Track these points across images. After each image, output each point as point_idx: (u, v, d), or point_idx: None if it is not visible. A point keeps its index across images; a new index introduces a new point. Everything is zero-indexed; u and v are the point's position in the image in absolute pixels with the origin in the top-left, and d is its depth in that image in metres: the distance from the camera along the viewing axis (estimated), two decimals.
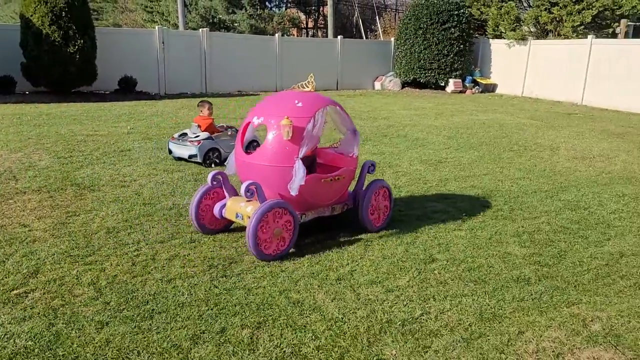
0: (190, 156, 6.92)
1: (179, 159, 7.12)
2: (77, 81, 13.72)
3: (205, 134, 7.02)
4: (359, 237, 4.54)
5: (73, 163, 6.77)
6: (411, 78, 19.60)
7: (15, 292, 3.41)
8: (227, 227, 4.63)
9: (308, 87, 4.69)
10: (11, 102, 12.54)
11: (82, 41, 13.25)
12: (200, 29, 17.44)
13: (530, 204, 5.64)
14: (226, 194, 4.45)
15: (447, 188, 6.19)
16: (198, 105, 7.59)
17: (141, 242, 4.30)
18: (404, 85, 20.28)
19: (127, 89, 14.93)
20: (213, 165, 6.94)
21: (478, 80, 19.77)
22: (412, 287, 3.66)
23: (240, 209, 4.22)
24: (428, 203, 5.59)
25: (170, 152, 7.20)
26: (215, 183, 4.37)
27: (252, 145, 6.01)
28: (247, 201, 4.22)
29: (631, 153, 8.56)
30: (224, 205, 4.38)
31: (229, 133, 7.35)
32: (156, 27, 16.67)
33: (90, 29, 13.89)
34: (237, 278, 3.73)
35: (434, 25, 18.58)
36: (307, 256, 4.11)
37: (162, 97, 15.30)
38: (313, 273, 3.83)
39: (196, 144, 6.88)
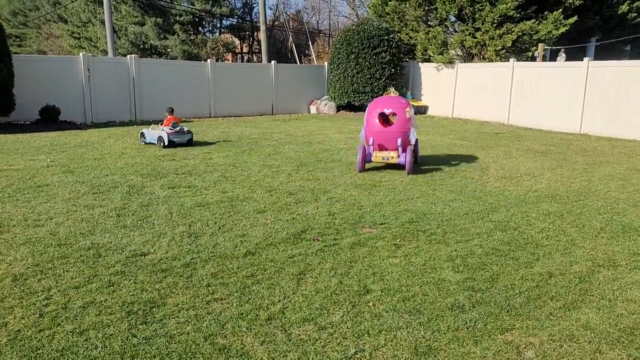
0: (189, 140, 11.00)
1: (179, 145, 10.79)
2: None
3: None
4: (292, 269, 4.37)
5: None
6: (345, 101, 19.84)
7: None
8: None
9: (395, 93, 9.72)
10: None
11: None
12: (129, 55, 16.90)
13: (463, 226, 5.68)
14: (370, 150, 8.65)
15: (382, 213, 6.15)
16: (167, 111, 11.68)
17: (52, 289, 3.91)
18: (339, 108, 20.50)
19: (49, 119, 14.15)
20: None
21: (410, 102, 20.28)
22: (345, 322, 3.51)
23: (385, 154, 8.55)
24: (362, 230, 5.51)
25: (171, 143, 10.60)
26: (366, 146, 8.61)
27: None
28: (388, 151, 8.58)
29: (555, 171, 8.93)
30: (371, 155, 8.64)
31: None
32: (81, 53, 15.99)
33: (7, 56, 13.13)
34: (158, 324, 3.44)
35: (365, 50, 18.98)
36: (236, 294, 3.89)
37: (89, 127, 14.61)
38: (242, 313, 3.61)
39: (187, 132, 11.04)
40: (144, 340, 3.24)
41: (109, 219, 5.70)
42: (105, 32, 24.02)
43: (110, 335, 3.29)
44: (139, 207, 6.18)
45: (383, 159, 8.54)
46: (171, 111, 11.70)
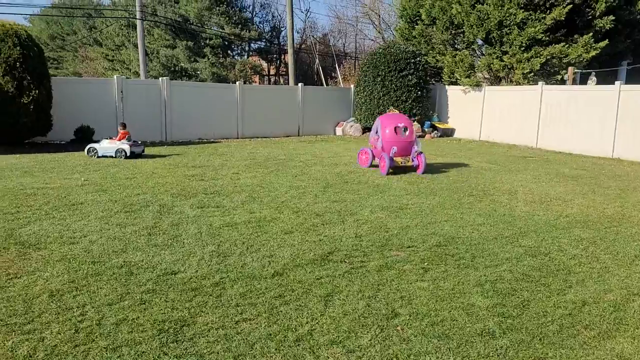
0: (142, 151, 12.64)
1: (132, 156, 12.19)
2: (30, 132, 13.35)
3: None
4: (319, 291, 4.38)
5: (19, 219, 6.42)
6: (371, 123, 19.90)
7: None
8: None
9: (395, 111, 12.28)
10: None
11: (36, 91, 12.97)
12: (160, 78, 17.39)
13: (492, 251, 5.62)
14: (391, 156, 10.56)
15: (409, 236, 6.14)
16: (120, 126, 12.83)
17: (87, 306, 4.01)
18: (365, 130, 20.58)
19: (83, 139, 14.57)
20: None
21: (436, 125, 20.28)
22: (374, 346, 3.50)
23: (403, 159, 10.70)
24: (390, 252, 5.50)
25: (131, 154, 12.12)
26: (392, 153, 10.52)
27: None
28: (404, 157, 10.76)
29: (586, 196, 8.78)
30: (393, 161, 10.53)
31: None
32: (115, 76, 16.51)
33: (46, 79, 13.65)
34: (189, 343, 3.49)
35: (392, 73, 19.10)
36: (264, 315, 3.92)
37: None
38: (270, 334, 3.63)
39: (140, 144, 12.76)
40: (175, 359, 3.29)
41: (141, 238, 5.82)
42: (138, 55, 24.79)
43: (143, 352, 3.36)
44: (169, 226, 6.30)
45: (402, 163, 10.76)
46: (124, 126, 12.89)
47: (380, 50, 20.15)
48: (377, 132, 11.08)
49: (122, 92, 15.96)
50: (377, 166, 11.30)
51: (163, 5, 30.81)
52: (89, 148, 12.40)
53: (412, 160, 10.82)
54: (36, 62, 13.25)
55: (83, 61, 39.49)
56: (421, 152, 10.84)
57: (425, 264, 5.16)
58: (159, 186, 8.80)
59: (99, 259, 5.09)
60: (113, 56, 35.62)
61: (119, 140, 12.46)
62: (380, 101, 19.36)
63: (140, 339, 3.53)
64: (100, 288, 4.37)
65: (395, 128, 10.73)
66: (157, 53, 31.06)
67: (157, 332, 3.62)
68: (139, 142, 12.89)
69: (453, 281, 4.71)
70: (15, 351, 3.33)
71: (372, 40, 37.37)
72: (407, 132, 10.84)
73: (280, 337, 3.60)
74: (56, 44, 42.39)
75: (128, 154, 12.14)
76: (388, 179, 9.96)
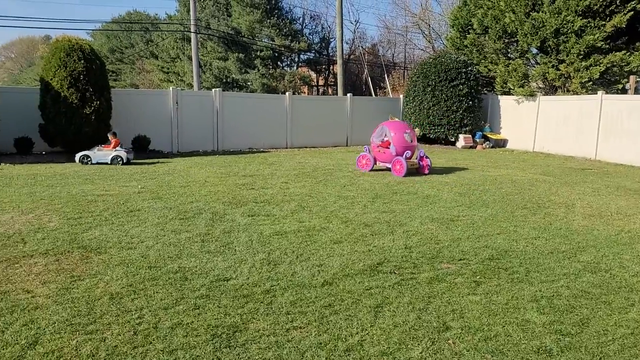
0: (133, 157, 13.39)
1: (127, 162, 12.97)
2: (91, 141, 13.98)
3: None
4: (369, 302, 4.37)
5: (82, 224, 6.75)
6: (421, 134, 19.71)
7: None
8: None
9: (394, 119, 12.88)
10: (28, 162, 12.78)
11: (98, 102, 13.62)
12: (213, 89, 17.88)
13: (547, 266, 5.44)
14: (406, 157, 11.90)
15: (460, 248, 6.03)
16: (111, 135, 13.41)
17: (144, 309, 4.17)
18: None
19: (140, 148, 15.18)
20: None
21: (488, 135, 19.85)
22: (425, 359, 3.46)
23: (412, 162, 12.00)
24: (440, 265, 5.43)
25: (127, 161, 12.90)
26: (406, 156, 11.80)
27: None
28: (412, 160, 12.04)
29: None
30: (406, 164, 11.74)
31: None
32: (170, 87, 17.12)
33: (107, 90, 14.30)
34: (241, 349, 3.56)
35: (442, 83, 18.89)
36: (314, 324, 3.95)
37: (175, 156, 15.50)
38: (321, 343, 3.66)
39: (131, 151, 13.48)
40: None
41: (194, 244, 5.99)
42: (192, 67, 25.61)
43: (197, 356, 3.45)
44: (221, 234, 6.46)
45: (411, 165, 11.92)
46: (115, 135, 13.47)
47: (431, 59, 19.99)
48: (383, 137, 12.32)
49: (177, 103, 16.53)
50: (379, 170, 12.56)
51: (216, 18, 31.74)
52: (82, 156, 12.82)
53: (418, 163, 12.22)
54: (98, 74, 13.92)
55: (140, 73, 41.20)
56: (427, 157, 12.30)
57: (478, 277, 5.06)
58: (211, 194, 9.03)
59: (155, 264, 5.28)
60: (168, 68, 36.95)
61: (113, 148, 13.07)
62: (430, 111, 19.16)
63: (195, 343, 3.63)
64: (157, 292, 4.53)
65: (404, 134, 11.97)
66: (209, 65, 31.99)
67: (211, 337, 3.72)
68: (130, 148, 13.69)
69: (507, 296, 4.59)
70: (79, 350, 3.50)
71: (421, 49, 37.10)
72: (412, 138, 12.18)
73: (331, 346, 3.62)
74: (115, 56, 44.45)
75: (125, 161, 12.83)
76: (438, 190, 9.82)
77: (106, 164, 12.82)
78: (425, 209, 8.18)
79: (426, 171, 12.07)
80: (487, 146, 19.55)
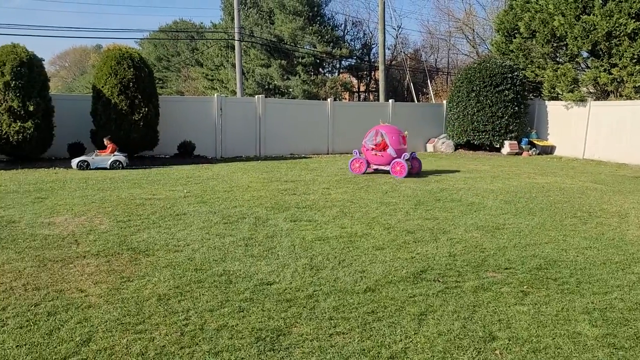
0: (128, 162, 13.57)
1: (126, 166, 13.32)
2: (139, 146, 14.45)
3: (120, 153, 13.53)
4: (412, 309, 4.33)
5: (131, 227, 6.98)
6: (464, 140, 19.41)
7: None
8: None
9: (385, 122, 14.07)
10: None
11: (146, 109, 14.06)
12: (256, 96, 18.16)
13: (600, 277, 5.24)
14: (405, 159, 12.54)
15: (506, 257, 5.88)
16: (108, 139, 13.42)
17: (191, 311, 4.27)
18: (457, 147, 20.08)
19: (185, 153, 15.56)
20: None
21: (535, 142, 19.31)
22: None
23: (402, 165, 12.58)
24: (486, 273, 5.31)
25: (125, 164, 13.19)
26: (404, 158, 12.37)
27: None
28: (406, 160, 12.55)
29: None
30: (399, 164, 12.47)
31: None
32: (215, 94, 17.50)
33: (155, 97, 14.75)
34: (285, 352, 3.59)
35: (487, 88, 18.54)
36: (357, 330, 3.94)
37: (218, 161, 15.82)
38: (364, 349, 3.64)
39: (126, 156, 13.62)
40: None
41: (238, 248, 6.09)
42: (236, 74, 26.09)
43: (242, 358, 3.50)
44: (264, 238, 6.53)
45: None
46: (111, 139, 13.54)
47: (475, 64, 19.67)
48: (378, 139, 12.74)
49: (221, 109, 16.87)
50: (371, 173, 13.06)
51: (259, 26, 32.25)
52: (80, 161, 12.88)
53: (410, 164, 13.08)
54: (146, 82, 14.38)
55: (185, 80, 42.27)
56: (418, 159, 13.19)
57: (525, 287, 4.92)
58: (254, 199, 9.15)
59: (200, 266, 5.39)
60: (212, 75, 37.76)
61: (110, 153, 13.26)
62: (475, 117, 18.82)
63: (240, 345, 3.69)
64: (202, 294, 4.62)
65: (399, 136, 12.61)
66: (252, 72, 32.50)
67: (255, 340, 3.76)
68: (125, 154, 13.74)
69: (556, 307, 4.45)
70: (130, 349, 3.61)
71: (465, 55, 36.48)
72: (404, 141, 12.87)
73: (374, 352, 3.60)
74: (162, 64, 45.79)
75: (124, 165, 13.16)
76: (483, 197, 9.63)
77: (105, 169, 12.98)
78: (469, 216, 8.03)
79: (416, 170, 12.91)
80: (534, 153, 19.03)
